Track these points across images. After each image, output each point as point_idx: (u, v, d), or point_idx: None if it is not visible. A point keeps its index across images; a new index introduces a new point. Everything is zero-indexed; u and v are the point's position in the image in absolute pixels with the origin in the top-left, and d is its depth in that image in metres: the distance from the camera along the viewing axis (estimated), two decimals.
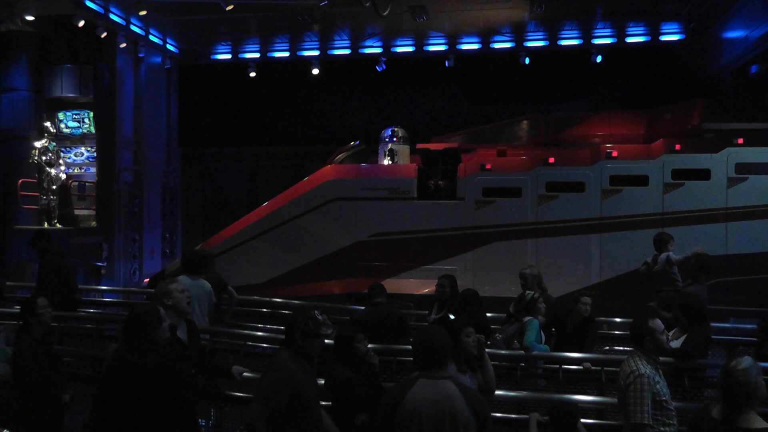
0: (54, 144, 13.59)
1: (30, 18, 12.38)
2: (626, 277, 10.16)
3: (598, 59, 14.21)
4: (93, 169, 14.21)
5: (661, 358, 4.47)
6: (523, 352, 5.78)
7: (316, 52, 15.53)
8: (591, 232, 10.69)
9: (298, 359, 3.75)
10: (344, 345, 4.52)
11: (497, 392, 4.64)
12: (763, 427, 3.12)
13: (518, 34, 14.41)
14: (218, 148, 18.11)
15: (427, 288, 10.19)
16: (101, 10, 12.43)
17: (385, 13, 10.64)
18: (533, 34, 14.46)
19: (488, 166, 11.14)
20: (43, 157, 13.20)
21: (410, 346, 3.61)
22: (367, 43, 15.24)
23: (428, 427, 3.09)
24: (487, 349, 4.49)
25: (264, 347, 6.93)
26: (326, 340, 4.13)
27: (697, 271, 7.01)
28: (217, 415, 5.43)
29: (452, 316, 6.34)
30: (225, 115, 18.14)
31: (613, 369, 5.15)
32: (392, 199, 11.19)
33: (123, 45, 13.38)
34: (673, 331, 5.69)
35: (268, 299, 9.76)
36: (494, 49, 14.88)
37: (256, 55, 15.92)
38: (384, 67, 15.09)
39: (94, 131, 14.17)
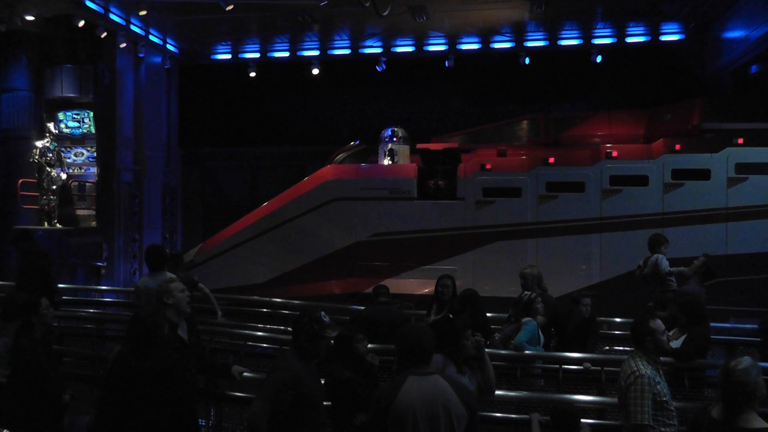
0: (55, 144, 13.59)
1: (30, 18, 12.38)
2: (626, 277, 10.14)
3: (598, 59, 14.21)
4: (93, 169, 14.20)
5: (661, 358, 4.48)
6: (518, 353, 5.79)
7: (316, 52, 15.53)
8: (591, 232, 10.70)
9: (304, 360, 3.75)
10: (344, 345, 4.53)
11: (497, 392, 4.64)
12: (763, 427, 3.11)
13: (518, 34, 14.40)
14: (218, 148, 18.10)
15: (427, 288, 10.19)
16: (101, 10, 12.43)
17: (385, 13, 10.63)
18: (533, 34, 14.46)
19: (488, 166, 11.15)
20: (43, 157, 13.20)
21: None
22: (367, 43, 15.24)
23: (423, 423, 3.10)
24: (486, 350, 4.50)
25: (264, 347, 6.94)
26: None
27: (701, 272, 7.05)
28: (217, 415, 5.43)
29: (451, 317, 6.34)
30: (225, 115, 18.12)
31: (613, 369, 5.15)
32: (392, 199, 11.19)
33: (123, 45, 13.37)
34: (673, 331, 5.70)
35: (268, 299, 9.77)
36: (494, 49, 14.88)
37: (256, 55, 15.92)
38: (384, 67, 15.09)
39: (94, 131, 14.16)
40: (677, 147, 10.64)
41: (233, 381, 4.82)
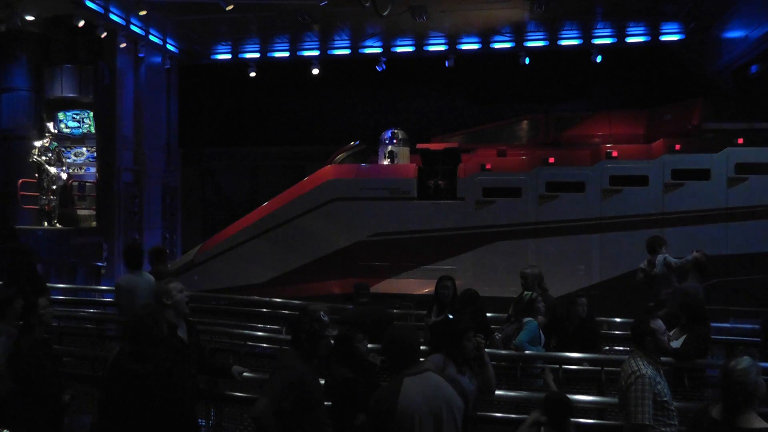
0: (55, 144, 13.59)
1: (30, 18, 12.39)
2: (626, 277, 10.15)
3: (598, 59, 14.21)
4: (93, 169, 14.20)
5: (661, 358, 4.48)
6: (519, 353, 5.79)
7: (316, 52, 15.53)
8: (591, 232, 10.69)
9: (307, 359, 3.76)
10: (344, 345, 4.53)
11: (497, 392, 4.64)
12: (762, 427, 3.11)
13: (518, 34, 14.40)
14: (218, 148, 18.11)
15: (427, 288, 10.18)
16: (101, 10, 12.43)
17: (385, 13, 10.63)
18: (533, 34, 14.46)
19: (488, 166, 11.14)
20: (43, 157, 13.20)
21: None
22: (367, 43, 15.24)
23: (428, 421, 3.10)
24: (486, 350, 4.50)
25: (264, 347, 6.94)
26: None
27: (692, 270, 7.02)
28: (217, 415, 5.43)
29: (451, 317, 6.34)
30: (225, 115, 18.13)
31: (613, 369, 5.15)
32: (392, 199, 11.18)
33: (123, 45, 13.37)
34: (674, 331, 5.70)
35: (268, 299, 9.77)
36: (494, 49, 14.88)
37: (256, 55, 15.92)
38: (384, 67, 15.09)
39: (94, 131, 14.17)
40: (677, 147, 10.63)
41: (233, 381, 4.82)
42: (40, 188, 13.23)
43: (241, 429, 5.39)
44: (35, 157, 13.12)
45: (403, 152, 12.07)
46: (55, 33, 13.82)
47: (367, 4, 10.19)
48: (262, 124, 17.89)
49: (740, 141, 10.44)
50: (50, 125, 13.89)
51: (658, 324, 4.21)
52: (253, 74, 15.81)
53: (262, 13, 13.28)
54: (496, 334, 6.38)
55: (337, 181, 11.49)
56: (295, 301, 9.47)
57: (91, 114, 14.20)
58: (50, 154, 13.31)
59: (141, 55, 14.10)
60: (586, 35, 14.34)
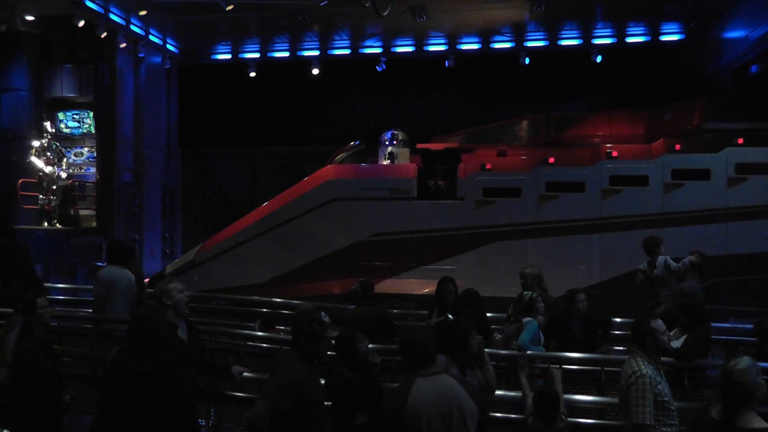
0: (56, 144, 13.59)
1: (30, 18, 12.39)
2: (626, 277, 10.13)
3: (598, 59, 14.21)
4: (93, 169, 14.21)
5: (661, 358, 4.48)
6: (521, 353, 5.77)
7: (316, 52, 15.54)
8: (591, 232, 10.68)
9: (307, 360, 3.75)
10: (345, 345, 4.52)
11: (497, 392, 4.64)
12: (762, 427, 3.11)
13: (518, 34, 14.41)
14: (218, 148, 18.11)
15: (427, 288, 10.18)
16: (101, 10, 12.44)
17: (385, 13, 10.64)
18: (533, 34, 14.47)
19: (488, 166, 11.13)
20: (42, 157, 13.20)
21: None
22: (367, 43, 15.25)
23: (437, 423, 3.08)
24: (486, 349, 4.50)
25: (264, 347, 6.94)
26: None
27: (691, 270, 7.02)
28: (217, 415, 5.43)
29: (450, 317, 6.34)
30: (225, 115, 18.13)
31: (613, 369, 5.15)
32: (392, 199, 11.18)
33: (123, 45, 13.38)
34: (674, 331, 5.70)
35: (268, 299, 9.77)
36: (494, 49, 14.89)
37: (256, 55, 15.93)
38: (384, 67, 15.10)
39: (94, 131, 14.17)
40: (677, 147, 10.62)
41: (233, 381, 4.81)
42: (40, 188, 13.23)
43: (241, 429, 5.39)
44: (32, 157, 13.13)
45: (403, 153, 12.07)
46: (55, 33, 13.84)
47: (367, 4, 10.20)
48: (262, 124, 17.89)
49: (740, 141, 10.43)
50: (47, 125, 13.87)
51: (658, 324, 4.22)
52: (253, 74, 15.82)
53: (262, 13, 13.29)
54: (495, 334, 6.37)
55: (337, 181, 11.48)
56: (295, 301, 9.46)
57: (91, 114, 14.21)
58: (49, 154, 13.31)
59: (141, 55, 14.11)
60: (586, 35, 14.35)
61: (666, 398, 3.99)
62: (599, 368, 5.60)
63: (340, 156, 12.30)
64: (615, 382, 4.54)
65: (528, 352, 5.74)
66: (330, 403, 4.34)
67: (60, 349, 6.29)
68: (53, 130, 13.97)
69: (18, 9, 12.00)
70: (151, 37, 14.40)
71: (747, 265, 10.05)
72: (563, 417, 4.32)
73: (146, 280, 7.87)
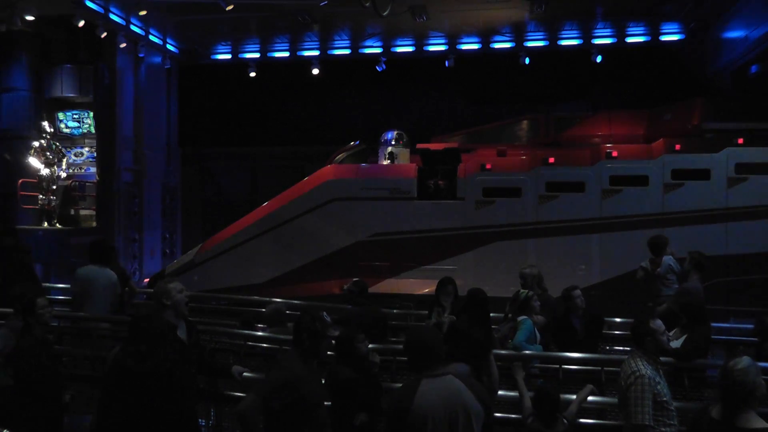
0: (56, 144, 13.59)
1: (30, 18, 12.38)
2: (626, 277, 10.14)
3: (598, 59, 14.21)
4: (93, 169, 14.21)
5: (661, 358, 4.48)
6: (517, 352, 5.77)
7: (316, 52, 15.53)
8: (591, 232, 10.68)
9: (307, 360, 3.75)
10: (345, 345, 4.53)
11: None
12: (762, 426, 3.12)
13: (518, 34, 14.40)
14: (218, 148, 18.10)
15: (427, 288, 10.18)
16: (101, 10, 12.43)
17: (385, 13, 10.63)
18: (533, 34, 14.46)
19: (488, 166, 11.14)
20: (42, 157, 13.20)
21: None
22: (367, 43, 15.24)
23: (443, 425, 3.06)
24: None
25: (264, 347, 6.93)
26: None
27: (692, 270, 7.01)
28: (217, 415, 5.43)
29: (451, 317, 6.34)
30: (225, 115, 18.12)
31: (613, 369, 5.15)
32: (392, 199, 11.18)
33: (123, 45, 13.37)
34: (674, 331, 5.70)
35: (268, 299, 9.76)
36: (494, 49, 14.88)
37: (256, 55, 15.93)
38: (384, 67, 15.09)
39: (94, 131, 14.17)
40: (677, 147, 10.62)
41: (233, 381, 4.82)
42: (40, 188, 13.23)
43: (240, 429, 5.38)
44: (31, 158, 13.14)
45: (404, 154, 12.08)
46: (55, 33, 13.83)
47: (367, 4, 10.19)
48: (262, 124, 17.89)
49: (740, 141, 10.43)
50: (45, 124, 13.85)
51: (658, 324, 4.22)
52: (253, 74, 15.81)
53: (262, 13, 13.28)
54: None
55: (337, 181, 11.48)
56: (296, 301, 9.47)
57: (91, 114, 14.21)
58: (49, 154, 13.31)
59: (141, 55, 14.10)
60: (586, 35, 14.34)
61: (665, 398, 3.99)
62: (599, 368, 5.61)
63: (340, 156, 12.30)
64: (615, 382, 4.54)
65: (524, 351, 5.73)
66: (330, 403, 4.35)
67: (60, 349, 6.29)
68: (51, 130, 13.96)
69: (18, 9, 11.99)
70: (151, 37, 14.40)
71: (747, 265, 10.06)
72: (565, 421, 4.30)
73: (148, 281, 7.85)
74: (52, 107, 14.22)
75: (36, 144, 13.28)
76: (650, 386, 3.92)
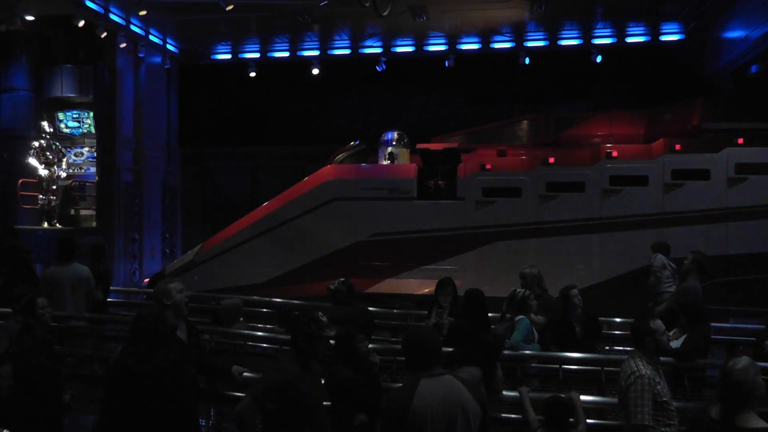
0: (56, 144, 13.59)
1: (30, 18, 12.38)
2: (626, 277, 10.15)
3: (598, 59, 14.20)
4: (93, 169, 14.20)
5: (661, 358, 4.48)
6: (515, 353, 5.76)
7: (316, 52, 15.53)
8: (591, 232, 10.69)
9: (304, 361, 3.75)
10: (344, 345, 4.53)
11: None
12: (761, 426, 3.12)
13: (518, 34, 14.40)
14: (218, 148, 18.10)
15: (427, 288, 10.18)
16: (101, 10, 12.42)
17: (385, 13, 10.64)
18: (533, 34, 14.45)
19: (488, 166, 11.14)
20: (42, 157, 13.20)
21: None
22: (367, 43, 15.24)
23: (441, 424, 3.07)
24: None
25: (264, 347, 6.94)
26: None
27: (692, 270, 7.02)
28: (217, 415, 5.44)
29: (450, 318, 6.34)
30: (225, 115, 18.12)
31: (613, 369, 5.15)
32: (392, 199, 11.18)
33: (123, 45, 13.37)
34: (674, 331, 5.70)
35: (268, 299, 9.77)
36: (494, 49, 14.87)
37: (256, 55, 15.92)
38: (384, 67, 15.09)
39: (94, 131, 14.17)
40: (677, 147, 10.62)
41: (233, 381, 4.82)
42: (40, 188, 13.23)
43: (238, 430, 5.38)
44: (30, 158, 13.14)
45: (404, 154, 12.08)
46: (55, 33, 13.83)
47: (367, 4, 10.20)
48: (262, 124, 17.89)
49: (740, 141, 10.43)
50: (45, 124, 13.84)
51: (658, 324, 4.22)
52: (253, 74, 15.81)
53: (262, 13, 13.28)
54: None
55: (337, 181, 11.49)
56: (295, 301, 9.48)
57: (91, 114, 14.20)
58: (49, 154, 13.31)
59: (141, 55, 14.09)
60: (586, 35, 14.33)
61: (665, 398, 3.99)
62: (599, 368, 5.61)
63: (340, 156, 12.31)
64: (615, 382, 4.54)
65: (521, 351, 5.72)
66: (330, 403, 4.35)
67: (60, 349, 6.29)
68: (51, 130, 13.96)
69: (18, 9, 11.99)
70: (151, 37, 14.39)
71: (747, 265, 10.06)
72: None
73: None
74: (52, 107, 14.22)
75: (36, 144, 13.27)
76: (650, 386, 3.92)
